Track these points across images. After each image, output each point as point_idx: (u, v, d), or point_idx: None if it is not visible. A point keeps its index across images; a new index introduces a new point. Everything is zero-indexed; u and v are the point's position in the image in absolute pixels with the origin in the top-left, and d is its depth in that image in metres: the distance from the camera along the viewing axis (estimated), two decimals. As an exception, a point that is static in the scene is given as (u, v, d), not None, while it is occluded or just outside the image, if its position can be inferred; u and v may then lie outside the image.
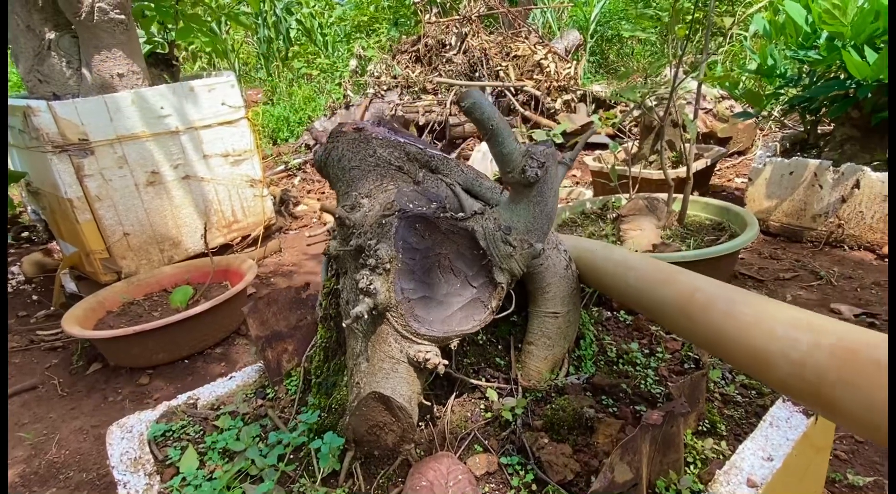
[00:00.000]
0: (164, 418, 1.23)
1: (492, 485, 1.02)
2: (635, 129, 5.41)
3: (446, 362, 0.97)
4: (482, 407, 1.18)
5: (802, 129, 4.03)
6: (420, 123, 5.83)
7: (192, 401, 1.30)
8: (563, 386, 1.20)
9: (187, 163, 3.48)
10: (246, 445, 1.10)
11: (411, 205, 0.97)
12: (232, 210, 3.78)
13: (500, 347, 1.30)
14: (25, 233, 5.08)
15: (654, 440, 0.94)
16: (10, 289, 3.94)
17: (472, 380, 1.19)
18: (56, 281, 3.40)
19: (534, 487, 1.00)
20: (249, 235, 3.94)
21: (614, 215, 3.26)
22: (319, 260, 3.90)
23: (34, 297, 3.79)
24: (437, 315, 0.97)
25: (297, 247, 4.13)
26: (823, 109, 3.67)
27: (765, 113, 5.01)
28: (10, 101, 3.07)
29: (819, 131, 4.03)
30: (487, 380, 1.23)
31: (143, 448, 1.14)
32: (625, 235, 2.87)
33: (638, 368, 1.25)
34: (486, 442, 1.10)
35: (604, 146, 5.18)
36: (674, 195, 3.08)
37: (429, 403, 1.06)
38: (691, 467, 1.07)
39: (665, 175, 2.96)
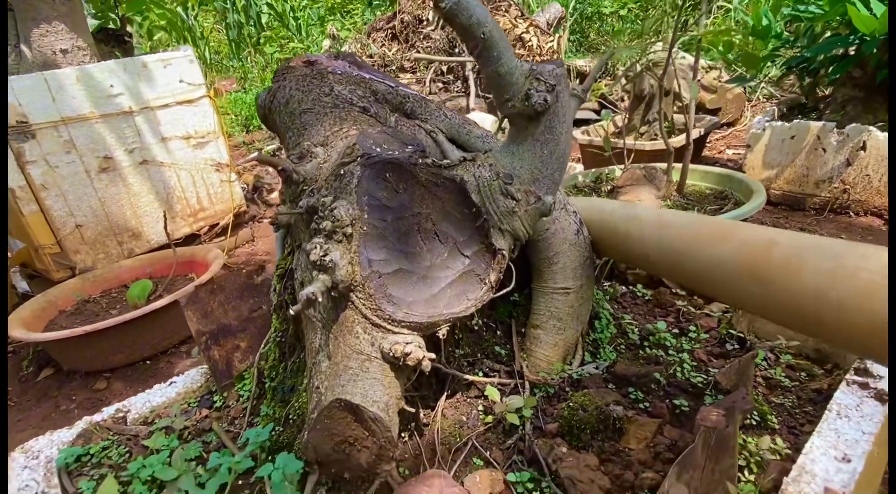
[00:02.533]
0: (80, 439, 0.97)
1: (498, 511, 0.79)
2: (621, 104, 5.20)
3: (433, 355, 0.74)
4: (480, 408, 0.95)
5: (800, 93, 3.84)
6: (400, 102, 5.55)
7: (120, 415, 1.05)
8: (579, 378, 0.97)
9: (144, 147, 3.17)
10: (179, 472, 0.85)
11: (378, 150, 0.73)
12: (197, 197, 3.48)
13: (499, 333, 1.06)
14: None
15: (705, 444, 0.72)
16: (-43, 293, 3.62)
17: (467, 376, 0.96)
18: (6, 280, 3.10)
19: (552, 511, 0.77)
20: (218, 224, 3.66)
21: (609, 187, 3.04)
22: (296, 249, 3.64)
23: (-16, 300, 3.49)
24: (418, 294, 0.73)
25: (272, 236, 3.86)
26: (823, 70, 3.49)
27: (757, 81, 4.81)
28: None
29: (818, 94, 3.85)
30: (486, 375, 0.99)
31: (49, 479, 0.89)
32: (624, 207, 2.65)
33: (670, 352, 1.02)
34: (488, 454, 0.87)
35: (588, 122, 4.97)
36: (672, 164, 2.87)
37: (412, 408, 0.83)
38: (746, 473, 0.85)
39: (664, 140, 2.75)
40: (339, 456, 0.79)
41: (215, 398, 1.08)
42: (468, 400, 0.97)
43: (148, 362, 2.55)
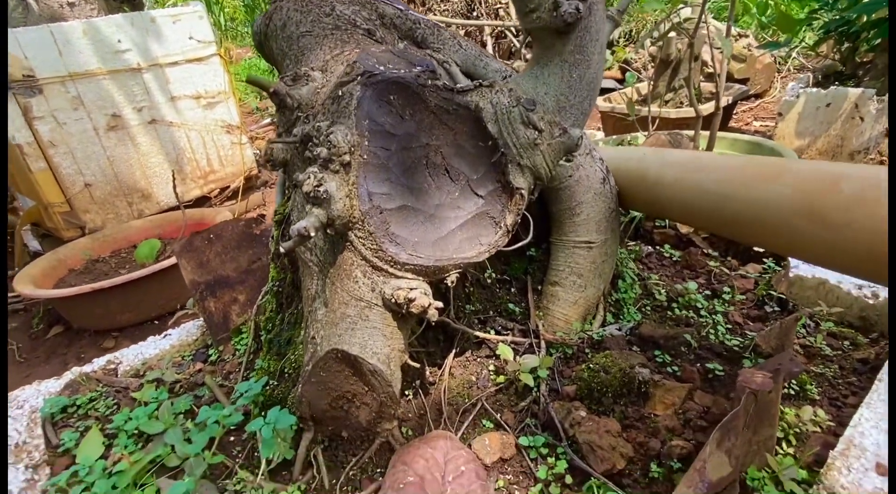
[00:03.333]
0: (68, 389, 0.92)
1: (509, 477, 0.72)
2: (644, 73, 4.99)
3: (440, 304, 0.66)
4: (491, 368, 0.87)
5: (837, 59, 3.63)
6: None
7: (111, 367, 1.00)
8: (600, 339, 0.88)
9: (153, 106, 3.11)
10: (166, 425, 0.79)
11: (382, 68, 0.64)
12: (207, 159, 3.42)
13: (513, 290, 0.98)
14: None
15: (746, 409, 0.63)
16: (-28, 251, 3.64)
17: (478, 333, 0.88)
18: (17, 239, 3.09)
19: (568, 479, 0.70)
20: (228, 187, 3.60)
21: (633, 155, 2.92)
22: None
23: (-2, 259, 3.50)
24: (425, 235, 0.65)
25: (284, 200, 3.80)
26: (864, 34, 3.28)
27: (789, 48, 4.57)
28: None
29: (857, 61, 3.63)
30: (498, 333, 0.91)
31: (32, 429, 0.84)
32: (648, 174, 2.53)
33: (702, 314, 0.93)
34: (499, 416, 0.80)
35: (610, 90, 4.79)
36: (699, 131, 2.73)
37: (417, 364, 0.75)
38: (784, 445, 0.77)
39: (693, 104, 2.60)
40: (337, 413, 0.72)
41: (210, 352, 1.02)
42: (478, 359, 0.89)
43: (156, 322, 2.53)
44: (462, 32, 5.52)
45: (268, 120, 5.67)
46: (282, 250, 0.59)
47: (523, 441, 0.75)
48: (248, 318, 1.04)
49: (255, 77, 0.69)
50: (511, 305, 0.95)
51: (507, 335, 0.91)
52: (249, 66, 7.16)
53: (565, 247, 0.92)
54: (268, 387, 0.81)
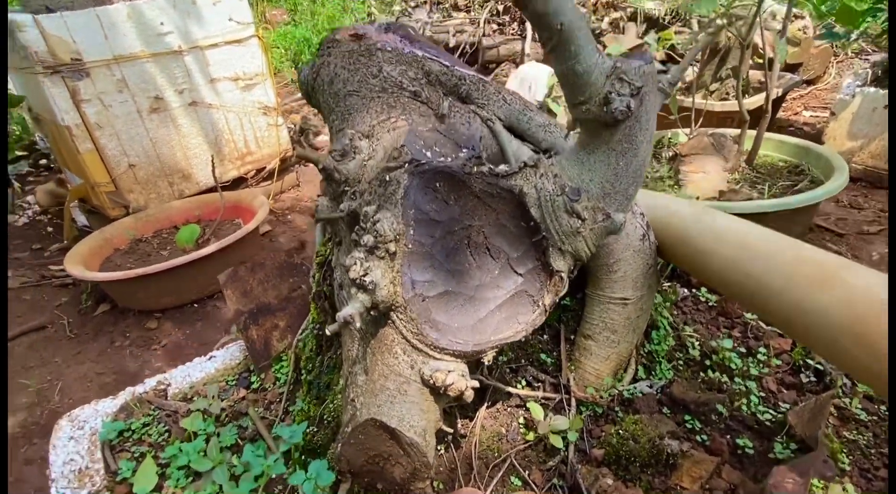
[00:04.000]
0: (123, 412, 0.99)
1: (533, 539, 0.75)
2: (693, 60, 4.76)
3: (476, 384, 0.68)
4: (521, 420, 0.90)
5: (900, 53, 3.40)
6: (450, 45, 5.32)
7: (161, 388, 1.06)
8: (630, 397, 0.90)
9: (193, 88, 3.15)
10: (213, 463, 0.85)
11: (429, 154, 0.64)
12: (245, 140, 3.47)
13: (545, 338, 0.99)
14: (44, 161, 4.92)
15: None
16: (25, 220, 3.82)
17: (510, 389, 0.90)
18: (66, 214, 3.22)
19: (592, 548, 0.73)
20: (264, 168, 3.66)
21: (671, 153, 2.82)
22: (341, 197, 3.61)
23: (49, 229, 3.66)
24: (464, 318, 0.67)
25: (317, 180, 3.84)
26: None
27: (854, 34, 4.29)
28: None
29: (925, 56, 3.40)
30: (529, 384, 0.93)
31: (93, 453, 0.91)
32: (685, 178, 2.46)
33: (735, 378, 0.93)
34: (527, 474, 0.83)
35: None
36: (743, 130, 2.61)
37: (450, 429, 0.78)
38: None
39: (739, 104, 2.49)
40: (373, 468, 0.76)
41: (252, 378, 1.07)
42: (509, 409, 0.92)
43: (195, 305, 2.63)
44: (501, 7, 5.35)
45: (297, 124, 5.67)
46: (328, 333, 0.62)
47: (550, 502, 0.79)
48: (288, 345, 1.09)
49: (304, 152, 0.70)
50: (543, 355, 0.97)
51: (539, 387, 0.93)
52: (284, 34, 7.12)
53: (600, 302, 0.93)
54: (308, 432, 0.86)
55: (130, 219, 3.01)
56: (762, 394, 0.91)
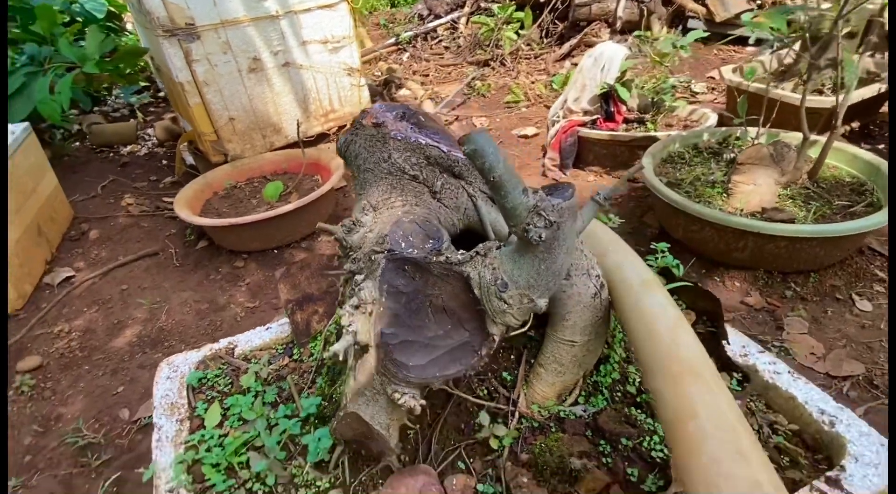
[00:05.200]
0: (202, 364, 1.38)
1: (462, 511, 1.05)
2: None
3: (423, 402, 0.96)
4: (478, 421, 1.18)
5: None
6: (541, 0, 5.19)
7: (230, 347, 1.44)
8: (564, 418, 1.14)
9: (287, 50, 3.46)
10: (257, 414, 1.22)
11: (403, 244, 0.89)
12: (329, 99, 3.78)
13: (512, 357, 1.25)
14: (162, 93, 5.53)
15: None
16: (144, 151, 4.43)
17: (469, 398, 1.18)
18: (177, 154, 3.76)
19: (499, 525, 1.02)
20: (345, 125, 3.98)
21: (732, 155, 2.78)
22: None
23: (164, 161, 4.25)
24: (418, 359, 0.94)
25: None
26: None
27: None
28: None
29: None
30: (489, 394, 1.21)
31: (181, 391, 1.31)
32: (734, 188, 2.47)
33: (650, 419, 1.15)
34: (470, 462, 1.12)
35: (746, 40, 4.20)
36: (815, 137, 2.50)
37: (413, 426, 1.08)
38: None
39: (836, 103, 2.31)
40: (359, 440, 1.09)
41: (295, 350, 1.42)
42: (471, 408, 1.20)
43: (276, 251, 3.06)
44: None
45: (392, 39, 5.81)
46: (326, 355, 0.92)
47: (480, 487, 1.08)
48: (324, 328, 1.42)
49: (324, 226, 0.98)
50: (506, 373, 1.23)
51: (497, 397, 1.20)
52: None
53: (553, 340, 1.16)
54: (321, 406, 1.20)
55: (228, 167, 3.46)
56: (663, 436, 1.12)
